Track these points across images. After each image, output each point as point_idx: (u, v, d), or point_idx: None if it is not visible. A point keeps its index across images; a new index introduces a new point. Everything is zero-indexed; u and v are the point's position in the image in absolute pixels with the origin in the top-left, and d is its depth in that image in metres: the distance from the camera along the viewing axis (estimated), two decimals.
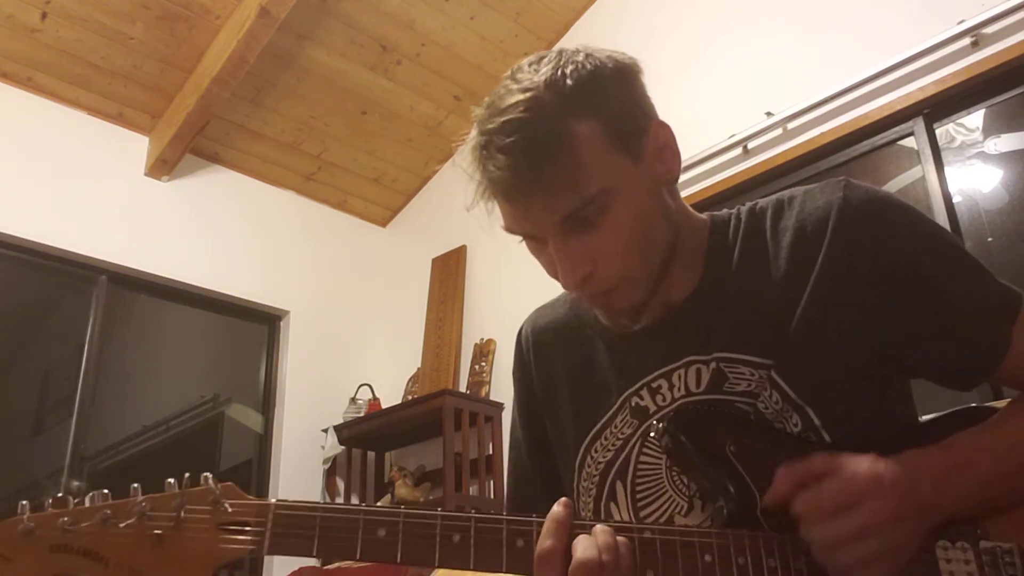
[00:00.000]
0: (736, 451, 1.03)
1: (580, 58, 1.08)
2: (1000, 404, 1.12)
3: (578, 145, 1.03)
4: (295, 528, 0.89)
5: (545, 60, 1.08)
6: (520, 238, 1.13)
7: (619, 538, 0.93)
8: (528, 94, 1.04)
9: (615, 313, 1.14)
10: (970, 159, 3.33)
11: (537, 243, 1.11)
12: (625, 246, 1.07)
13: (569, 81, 1.05)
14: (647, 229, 1.10)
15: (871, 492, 0.94)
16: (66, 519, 0.81)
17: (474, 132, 1.08)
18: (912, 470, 0.98)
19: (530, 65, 1.09)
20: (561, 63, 1.07)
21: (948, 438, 1.03)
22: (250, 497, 0.88)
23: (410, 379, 5.06)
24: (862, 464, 0.96)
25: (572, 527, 0.94)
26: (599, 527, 0.93)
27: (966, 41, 3.24)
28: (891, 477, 0.95)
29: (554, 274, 1.11)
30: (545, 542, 0.92)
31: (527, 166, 1.02)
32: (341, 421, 4.82)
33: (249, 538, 0.86)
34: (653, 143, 1.11)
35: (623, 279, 1.09)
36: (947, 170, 3.34)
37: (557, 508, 0.95)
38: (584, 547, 0.91)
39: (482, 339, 4.79)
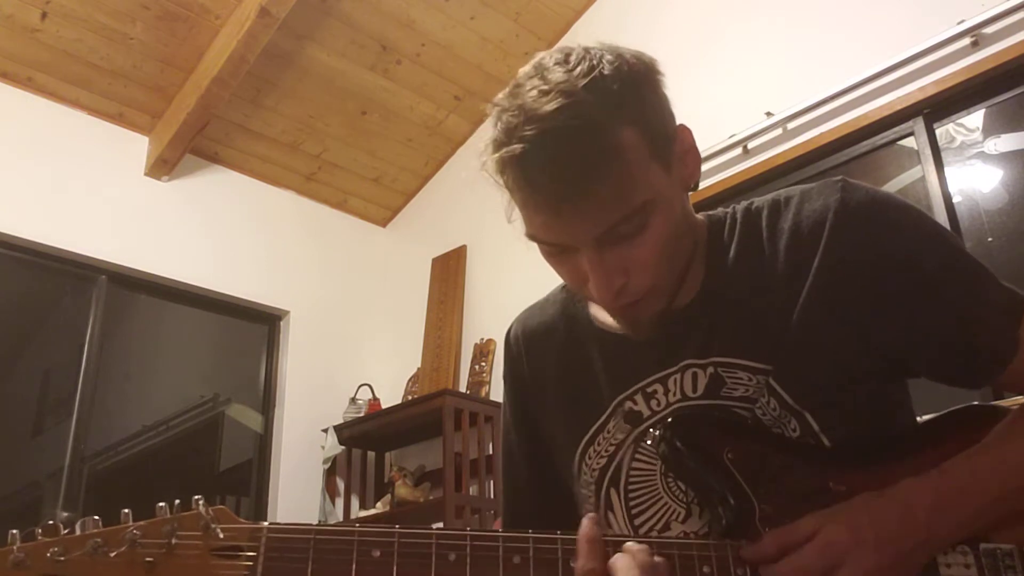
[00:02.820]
0: (734, 458, 1.02)
1: (611, 59, 1.03)
2: (1002, 404, 1.11)
3: (625, 156, 0.99)
4: (288, 552, 0.88)
5: (573, 58, 1.02)
6: (539, 245, 1.08)
7: (657, 558, 0.92)
8: (570, 99, 0.98)
9: (638, 323, 1.12)
10: (970, 159, 3.33)
11: (561, 253, 1.07)
12: (659, 257, 1.05)
13: (614, 85, 1.00)
14: (677, 238, 1.08)
15: (852, 550, 0.93)
16: (56, 548, 0.81)
17: (501, 135, 1.01)
18: (905, 505, 0.97)
19: (556, 64, 1.02)
20: (595, 64, 1.01)
21: (944, 462, 1.02)
22: (242, 521, 0.88)
23: (410, 379, 5.06)
24: (846, 520, 0.95)
25: (606, 544, 0.93)
26: (634, 546, 0.92)
27: (966, 41, 3.24)
28: (875, 526, 0.95)
29: (576, 283, 1.09)
30: (587, 564, 0.92)
31: (576, 179, 0.97)
32: (341, 421, 4.82)
33: (242, 563, 0.86)
34: (680, 148, 1.09)
35: (653, 290, 1.07)
36: (947, 170, 3.34)
37: (588, 525, 0.94)
38: (625, 568, 0.90)
39: (482, 339, 4.79)
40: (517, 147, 0.98)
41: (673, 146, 1.07)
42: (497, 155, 1.02)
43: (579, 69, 1.01)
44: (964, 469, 1.01)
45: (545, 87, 1.00)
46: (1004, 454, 1.03)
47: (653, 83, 1.07)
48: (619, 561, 0.91)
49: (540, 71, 1.03)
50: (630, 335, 1.16)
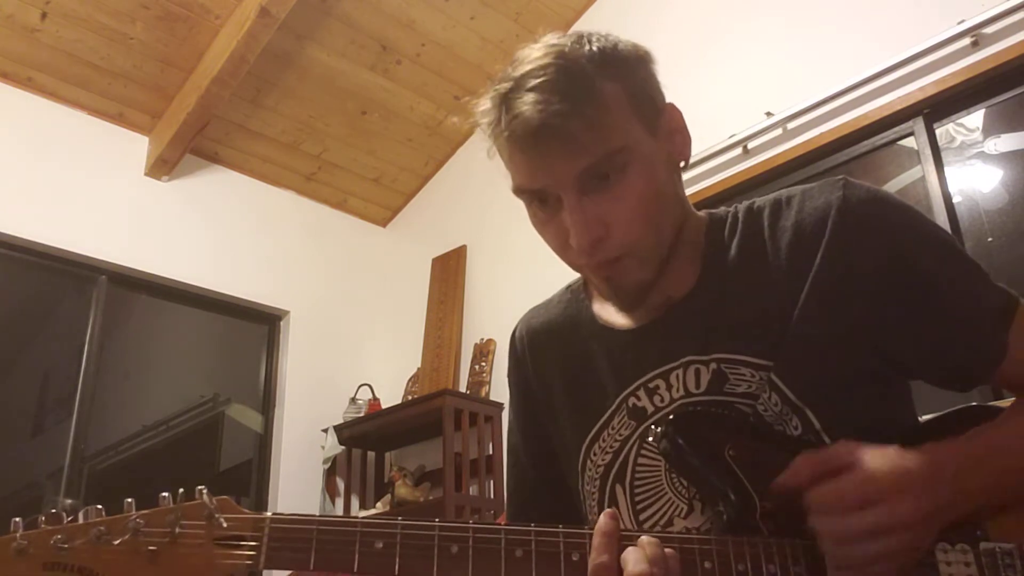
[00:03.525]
0: (735, 455, 1.02)
1: (603, 34, 1.11)
2: (1001, 404, 1.12)
3: (607, 102, 1.04)
4: (291, 542, 0.88)
5: (568, 35, 1.10)
6: (527, 208, 1.12)
7: (667, 549, 0.92)
8: (556, 48, 1.06)
9: (619, 289, 1.13)
10: (970, 159, 3.33)
11: (547, 209, 1.09)
12: (639, 213, 1.06)
13: (595, 47, 1.07)
14: (660, 201, 1.09)
15: (893, 491, 0.93)
16: (60, 536, 0.81)
17: (495, 83, 1.08)
18: (934, 466, 0.97)
19: (552, 35, 1.11)
20: (585, 35, 1.09)
21: (965, 432, 1.03)
22: (246, 511, 0.88)
23: (410, 379, 5.06)
24: (886, 459, 0.95)
25: (621, 538, 0.93)
26: (646, 539, 0.93)
27: (966, 41, 3.24)
28: (915, 474, 0.95)
29: (562, 245, 1.10)
30: (600, 557, 0.92)
31: (558, 102, 1.02)
32: (341, 421, 4.82)
33: (245, 553, 0.86)
34: (667, 123, 1.12)
35: (633, 248, 1.08)
36: (947, 170, 3.34)
37: (605, 520, 0.94)
38: (635, 561, 0.90)
39: (482, 339, 4.79)
40: (506, 84, 1.06)
41: (660, 118, 1.11)
42: (488, 96, 1.09)
43: (571, 38, 1.10)
44: (984, 438, 1.03)
45: (538, 45, 1.09)
46: (1015, 427, 1.05)
47: (642, 61, 1.13)
48: (630, 555, 0.91)
49: (535, 40, 1.11)
50: (614, 303, 1.18)
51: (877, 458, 0.95)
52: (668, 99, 1.15)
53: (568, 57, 1.05)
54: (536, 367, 1.32)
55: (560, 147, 1.03)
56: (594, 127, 1.03)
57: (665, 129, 1.12)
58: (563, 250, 1.11)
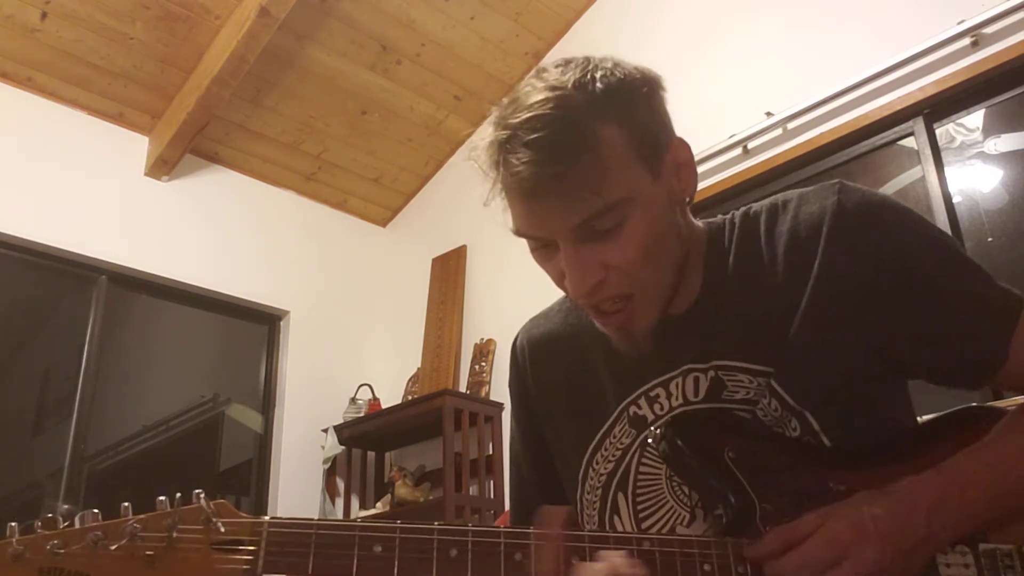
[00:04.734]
0: (735, 457, 1.02)
1: (609, 65, 1.06)
2: (1001, 404, 1.11)
3: (604, 149, 1.01)
4: (289, 546, 0.88)
5: (573, 64, 1.06)
6: (527, 242, 1.11)
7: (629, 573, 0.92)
8: (556, 92, 1.02)
9: (631, 338, 1.12)
10: (970, 159, 3.33)
11: (546, 250, 1.08)
12: (637, 260, 1.05)
13: (599, 85, 1.03)
14: (659, 246, 1.08)
15: (855, 543, 0.93)
16: (56, 541, 0.80)
17: (491, 128, 1.05)
18: (906, 503, 0.97)
19: (556, 67, 1.07)
20: (590, 67, 1.05)
21: (944, 460, 1.02)
22: (243, 515, 0.87)
23: (410, 379, 5.06)
24: (850, 513, 0.96)
25: (566, 546, 0.93)
26: (609, 555, 0.93)
27: (966, 41, 3.24)
28: (876, 522, 0.95)
29: (561, 283, 1.10)
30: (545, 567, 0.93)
31: (552, 163, 0.99)
32: (341, 421, 4.83)
33: (243, 557, 0.85)
34: (673, 160, 1.09)
35: (640, 299, 1.08)
36: (947, 170, 3.34)
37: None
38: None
39: (482, 339, 4.79)
40: (503, 133, 1.02)
41: (664, 155, 1.08)
42: (486, 141, 1.05)
43: (574, 72, 1.05)
44: (963, 467, 1.02)
45: (539, 84, 1.04)
46: (1002, 452, 1.03)
47: (648, 93, 1.09)
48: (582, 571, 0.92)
49: (538, 73, 1.07)
50: (624, 352, 1.16)
51: (841, 515, 0.96)
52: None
53: (567, 105, 1.01)
54: (537, 377, 1.32)
55: (557, 203, 1.02)
56: (592, 182, 1.00)
57: (670, 166, 1.09)
58: (562, 287, 1.11)
